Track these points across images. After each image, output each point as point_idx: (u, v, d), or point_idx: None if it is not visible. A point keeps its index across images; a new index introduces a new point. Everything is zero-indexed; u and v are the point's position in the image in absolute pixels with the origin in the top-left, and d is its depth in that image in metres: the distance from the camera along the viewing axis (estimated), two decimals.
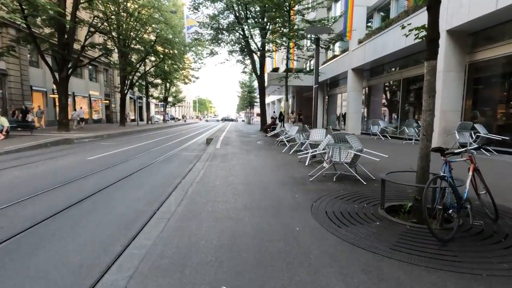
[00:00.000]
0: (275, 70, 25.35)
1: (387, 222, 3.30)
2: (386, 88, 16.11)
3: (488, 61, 9.19)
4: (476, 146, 3.20)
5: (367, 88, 17.72)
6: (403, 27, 3.77)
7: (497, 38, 8.77)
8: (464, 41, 9.45)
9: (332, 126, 20.30)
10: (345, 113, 18.97)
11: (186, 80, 41.05)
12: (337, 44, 20.76)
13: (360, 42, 15.78)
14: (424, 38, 3.38)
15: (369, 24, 17.22)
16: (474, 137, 8.62)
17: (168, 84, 39.23)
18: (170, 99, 45.58)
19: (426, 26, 3.27)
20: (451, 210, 2.76)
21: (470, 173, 3.10)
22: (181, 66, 35.35)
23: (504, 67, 8.84)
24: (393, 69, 14.73)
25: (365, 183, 5.06)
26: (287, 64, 17.40)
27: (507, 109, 8.96)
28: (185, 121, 51.74)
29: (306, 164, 6.97)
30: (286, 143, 10.06)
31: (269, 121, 21.21)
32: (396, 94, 14.82)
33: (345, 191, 4.59)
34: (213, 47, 20.83)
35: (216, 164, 7.28)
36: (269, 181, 5.41)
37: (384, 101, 16.50)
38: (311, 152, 6.60)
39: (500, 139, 7.96)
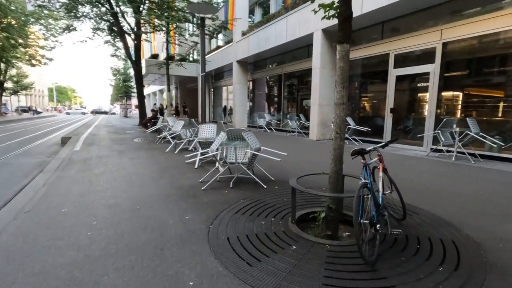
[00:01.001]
0: (155, 56, 22.60)
1: (303, 242, 2.64)
2: (270, 82, 16.71)
3: (352, 61, 10.45)
4: (384, 143, 2.95)
5: (252, 81, 17.98)
6: (313, 1, 3.16)
7: (358, 42, 10.02)
8: (335, 41, 10.40)
9: (219, 120, 19.81)
10: (231, 107, 18.76)
11: (34, 62, 31.75)
12: (221, 35, 20.20)
13: (244, 34, 15.64)
14: (333, 18, 2.83)
15: (253, 16, 17.35)
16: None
17: (2, 65, 29.25)
18: (8, 84, 34.43)
19: (336, 3, 2.72)
20: (378, 225, 2.30)
21: (381, 174, 2.78)
22: (22, 42, 26.96)
23: (364, 67, 10.23)
24: (275, 64, 15.30)
25: (265, 186, 4.42)
26: (167, 49, 15.41)
27: (368, 103, 10.49)
28: (34, 114, 40.44)
29: (196, 166, 5.85)
30: (171, 140, 8.60)
31: (149, 114, 18.67)
32: (278, 88, 15.52)
33: (246, 200, 3.78)
34: (70, 21, 16.37)
35: (71, 175, 5.19)
36: (148, 195, 4.01)
37: (268, 94, 17.11)
38: (202, 153, 5.54)
39: (365, 130, 9.17)
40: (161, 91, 38.92)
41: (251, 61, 16.87)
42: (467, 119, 6.38)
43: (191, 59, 25.09)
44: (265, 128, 14.29)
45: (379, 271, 2.16)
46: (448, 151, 7.00)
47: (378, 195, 2.55)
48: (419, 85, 8.19)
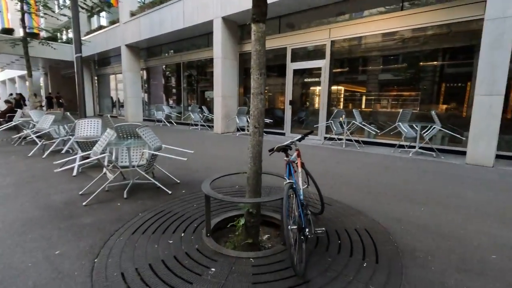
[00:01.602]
0: (8, 32, 17.34)
1: (223, 260, 2.19)
2: (167, 71, 15.29)
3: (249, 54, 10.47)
4: (301, 136, 2.79)
5: (146, 70, 16.07)
6: None
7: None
8: (235, 31, 10.19)
9: (107, 113, 17.06)
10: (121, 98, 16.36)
11: None
12: (105, 13, 17.16)
13: (132, 14, 13.66)
14: None
15: None
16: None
17: None
18: None
19: None
20: (307, 230, 2.06)
21: (299, 169, 2.60)
22: None
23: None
24: (172, 51, 14.03)
25: (170, 191, 3.73)
26: (22, 21, 11.84)
27: (269, 96, 10.79)
28: None
29: (75, 174, 4.55)
30: (37, 140, 6.60)
31: (3, 107, 14.26)
32: (177, 78, 14.35)
33: (147, 213, 3.04)
34: None
35: None
36: None
37: (166, 85, 15.64)
38: (83, 156, 4.32)
39: (268, 121, 9.40)
40: (22, 78, 30.75)
41: (144, 47, 15.01)
42: (353, 110, 7.25)
43: (64, 38, 20.61)
44: (164, 122, 13.03)
45: (312, 281, 1.93)
46: (339, 139, 7.85)
47: (300, 194, 2.33)
48: (314, 79, 8.87)
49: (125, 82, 14.88)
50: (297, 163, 2.64)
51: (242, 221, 2.57)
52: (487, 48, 5.03)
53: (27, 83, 14.56)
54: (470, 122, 5.39)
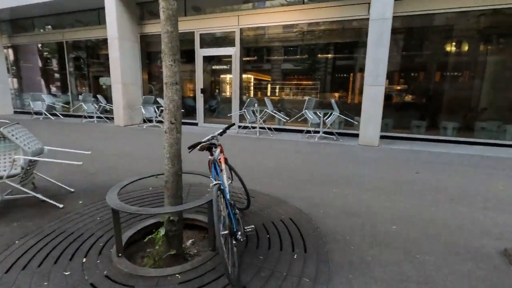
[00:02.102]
0: None
1: (143, 285, 1.84)
2: (46, 52, 12.39)
3: (153, 36, 9.45)
4: (221, 130, 2.57)
5: (12, 48, 12.64)
6: None
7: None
8: (133, 9, 8.94)
9: None
10: None
11: None
12: None
13: None
14: None
15: None
16: (158, 111, 8.83)
17: None
18: None
19: None
20: (239, 233, 1.90)
21: (223, 165, 2.41)
22: None
23: None
24: (50, 27, 11.39)
25: (61, 205, 2.98)
26: None
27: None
28: None
29: None
30: None
31: None
32: (61, 61, 11.82)
33: (29, 239, 2.32)
34: None
35: None
36: None
37: (44, 69, 12.69)
38: None
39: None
40: None
41: (6, 18, 11.71)
42: (265, 98, 7.45)
43: None
44: (46, 114, 10.65)
45: (248, 286, 1.80)
46: (252, 127, 7.98)
47: (227, 193, 2.16)
48: (225, 66, 8.68)
49: None
50: (220, 159, 2.44)
51: (163, 232, 2.22)
52: (372, 45, 5.86)
53: None
54: (361, 109, 6.26)
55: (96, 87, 11.11)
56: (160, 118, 8.77)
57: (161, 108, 8.64)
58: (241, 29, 8.03)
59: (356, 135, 6.65)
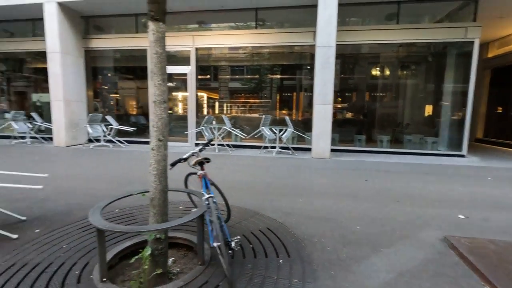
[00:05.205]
0: None
1: None
2: None
3: (103, 52, 8.99)
4: (201, 146, 2.63)
5: None
6: None
7: (107, 30, 8.80)
8: (77, 22, 8.41)
9: None
10: None
11: None
12: None
13: None
14: None
15: None
16: (106, 129, 8.26)
17: None
18: None
19: None
20: (233, 243, 1.99)
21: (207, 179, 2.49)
22: None
23: (120, 61, 9.17)
24: None
25: (14, 236, 2.66)
26: None
27: (129, 100, 9.58)
28: None
29: None
30: None
31: None
32: None
33: None
34: None
35: None
36: None
37: None
38: None
39: (131, 130, 8.32)
40: None
41: None
42: (223, 116, 7.61)
43: None
44: None
45: None
46: (211, 145, 8.02)
47: (216, 206, 2.24)
48: (181, 85, 8.64)
49: None
50: (199, 174, 2.51)
51: (149, 251, 2.18)
52: (319, 67, 6.56)
53: None
54: (311, 125, 6.86)
55: (23, 104, 9.93)
56: (109, 137, 8.20)
57: (110, 126, 8.12)
58: (196, 49, 8.18)
59: (309, 149, 7.20)
